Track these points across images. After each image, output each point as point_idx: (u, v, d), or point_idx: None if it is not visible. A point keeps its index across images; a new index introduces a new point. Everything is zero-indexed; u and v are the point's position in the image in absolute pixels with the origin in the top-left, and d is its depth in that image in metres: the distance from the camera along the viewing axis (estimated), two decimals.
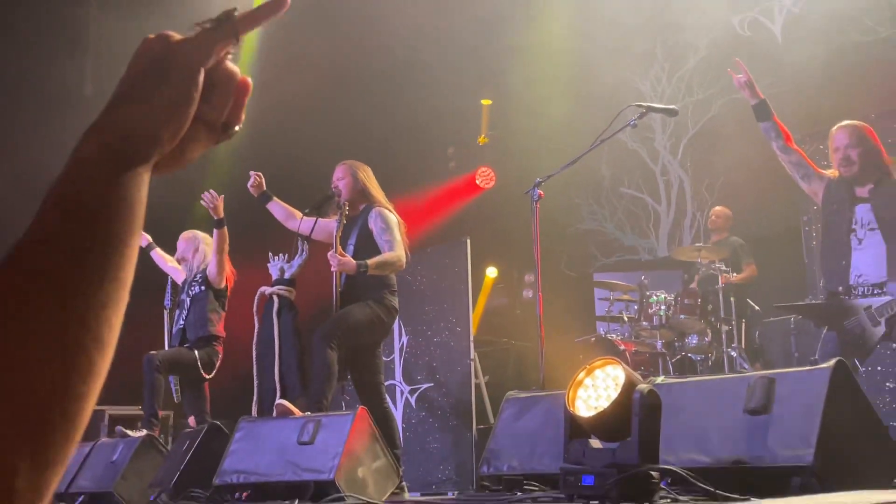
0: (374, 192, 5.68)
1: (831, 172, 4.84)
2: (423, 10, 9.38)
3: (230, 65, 0.83)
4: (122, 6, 9.28)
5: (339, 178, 5.69)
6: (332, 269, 5.40)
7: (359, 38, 9.68)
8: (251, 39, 10.25)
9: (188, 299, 6.67)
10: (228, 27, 0.82)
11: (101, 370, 0.68)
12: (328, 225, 5.69)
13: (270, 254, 6.04)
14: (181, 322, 6.66)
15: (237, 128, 0.85)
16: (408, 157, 10.34)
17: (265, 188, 5.89)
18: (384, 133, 10.08)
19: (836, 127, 4.79)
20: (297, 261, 5.85)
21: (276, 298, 5.86)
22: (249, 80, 0.85)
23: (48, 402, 0.64)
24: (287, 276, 5.88)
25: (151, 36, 0.81)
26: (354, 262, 5.28)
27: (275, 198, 5.92)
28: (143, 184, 0.73)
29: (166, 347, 6.73)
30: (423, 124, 10.16)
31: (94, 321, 0.68)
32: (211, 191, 6.36)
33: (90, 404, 0.67)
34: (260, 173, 5.88)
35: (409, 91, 9.96)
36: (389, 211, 5.60)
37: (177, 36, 0.81)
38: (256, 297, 6.00)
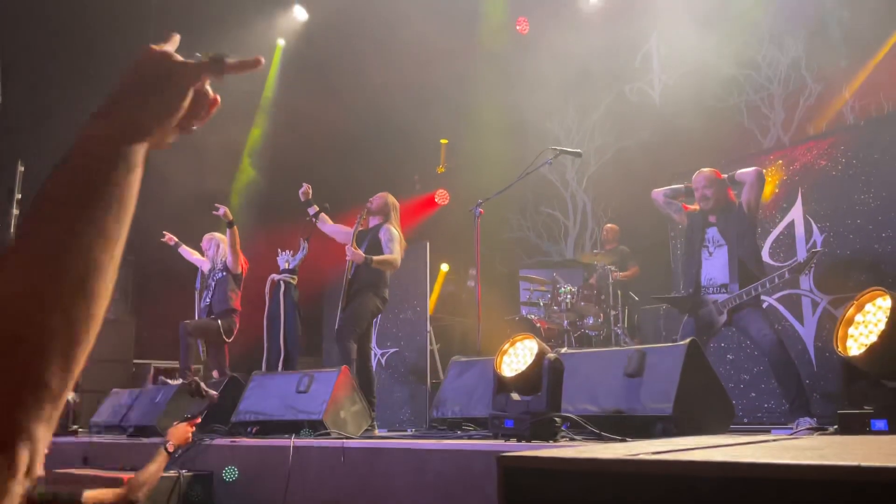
0: (393, 216, 5.64)
1: (693, 207, 4.92)
2: (399, 75, 9.42)
3: (208, 88, 0.84)
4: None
5: (378, 197, 5.65)
6: (347, 258, 5.34)
7: (351, 96, 9.71)
8: (269, 94, 10.19)
9: (213, 283, 6.56)
10: (218, 67, 0.83)
11: (105, 293, 0.65)
12: (347, 230, 5.61)
13: (279, 249, 5.99)
14: (208, 300, 6.55)
15: (195, 127, 0.85)
16: (385, 180, 10.26)
17: (310, 196, 5.74)
18: (370, 162, 10.07)
19: (696, 173, 4.84)
20: (299, 255, 5.82)
21: (282, 283, 5.81)
22: (219, 98, 0.85)
23: (73, 321, 0.62)
24: (291, 266, 5.83)
25: (155, 48, 0.80)
26: (363, 254, 5.25)
27: (322, 214, 5.79)
28: (139, 156, 0.73)
29: (196, 319, 6.62)
30: (398, 157, 10.15)
31: (97, 250, 0.65)
32: (217, 205, 6.28)
33: (98, 322, 0.65)
34: (309, 185, 5.72)
35: (388, 133, 9.96)
36: (396, 229, 5.57)
37: (177, 57, 0.81)
38: (268, 282, 5.95)
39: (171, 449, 3.00)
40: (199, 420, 3.24)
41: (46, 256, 0.62)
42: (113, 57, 8.95)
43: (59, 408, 0.61)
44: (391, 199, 5.69)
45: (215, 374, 6.41)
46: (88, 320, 0.63)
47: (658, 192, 5.05)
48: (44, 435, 0.59)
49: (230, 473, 3.46)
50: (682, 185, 5.01)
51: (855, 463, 1.08)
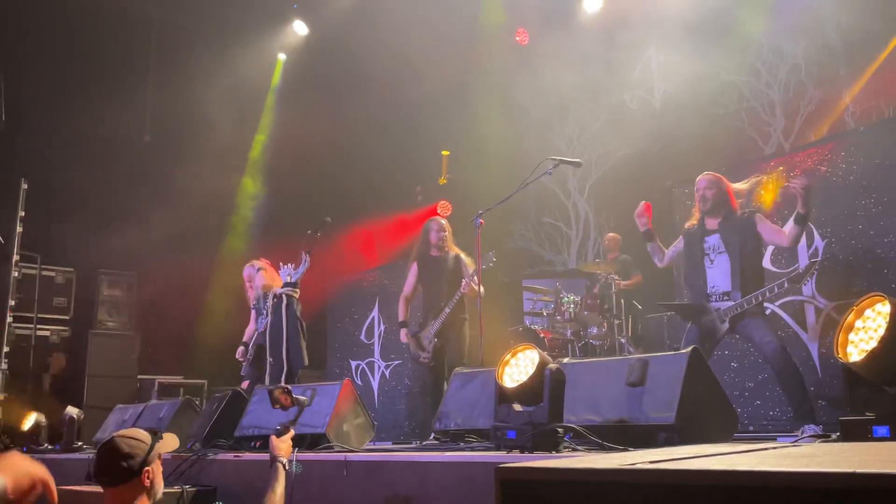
0: (453, 240, 6.15)
1: (689, 223, 4.95)
2: (399, 87, 9.47)
3: None
4: (176, 70, 9.20)
5: (435, 234, 6.09)
6: (463, 290, 5.75)
7: (352, 109, 9.77)
8: (270, 108, 10.23)
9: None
10: None
11: None
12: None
13: (281, 263, 5.98)
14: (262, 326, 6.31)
15: None
16: (389, 193, 10.38)
17: None
18: (372, 174, 10.12)
19: (699, 176, 4.88)
20: (301, 269, 5.80)
21: (284, 297, 5.80)
22: None
23: None
24: (293, 280, 5.82)
25: None
26: (480, 292, 5.54)
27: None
28: None
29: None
30: (399, 170, 10.20)
31: None
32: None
33: None
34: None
35: (389, 146, 10.00)
36: (466, 256, 5.99)
37: None
38: (269, 296, 5.94)
39: (288, 466, 2.90)
40: (293, 433, 3.06)
41: None
42: (114, 75, 9.04)
43: None
44: (440, 225, 6.11)
45: (244, 384, 6.13)
46: None
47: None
48: None
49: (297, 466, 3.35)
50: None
51: (850, 470, 1.08)
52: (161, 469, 2.65)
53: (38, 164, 8.44)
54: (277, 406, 3.22)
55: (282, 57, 10.27)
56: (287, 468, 2.86)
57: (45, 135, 8.68)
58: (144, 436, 2.62)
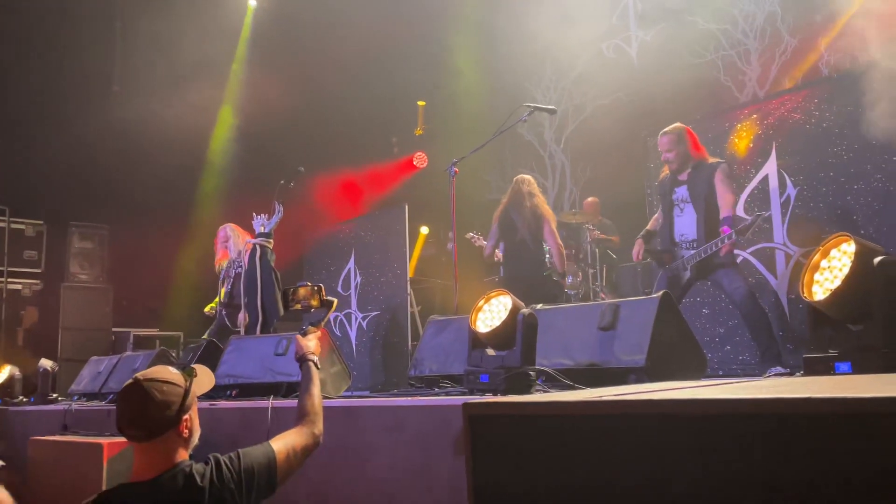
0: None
1: (661, 175, 5.00)
2: (375, 36, 9.30)
3: None
4: (144, 18, 8.94)
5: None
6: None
7: (327, 58, 9.59)
8: (241, 57, 10.00)
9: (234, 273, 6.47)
10: None
11: None
12: None
13: (254, 213, 5.92)
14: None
15: None
16: (363, 145, 10.28)
17: None
18: (347, 125, 9.99)
19: (660, 134, 4.90)
20: (275, 219, 5.76)
21: (258, 247, 5.76)
22: None
23: None
24: (266, 230, 5.78)
25: None
26: None
27: None
28: None
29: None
30: (375, 120, 10.08)
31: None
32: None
33: None
34: None
35: (365, 96, 9.86)
36: None
37: None
38: (242, 246, 5.91)
39: (319, 366, 2.62)
40: (320, 333, 2.77)
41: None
42: (80, 24, 8.76)
43: None
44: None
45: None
46: None
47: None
48: None
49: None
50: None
51: (806, 395, 1.10)
52: (197, 413, 2.24)
53: (2, 116, 8.23)
54: (298, 307, 2.86)
55: (252, 3, 10.02)
56: (318, 366, 2.61)
57: (9, 86, 8.44)
58: (176, 376, 2.18)
